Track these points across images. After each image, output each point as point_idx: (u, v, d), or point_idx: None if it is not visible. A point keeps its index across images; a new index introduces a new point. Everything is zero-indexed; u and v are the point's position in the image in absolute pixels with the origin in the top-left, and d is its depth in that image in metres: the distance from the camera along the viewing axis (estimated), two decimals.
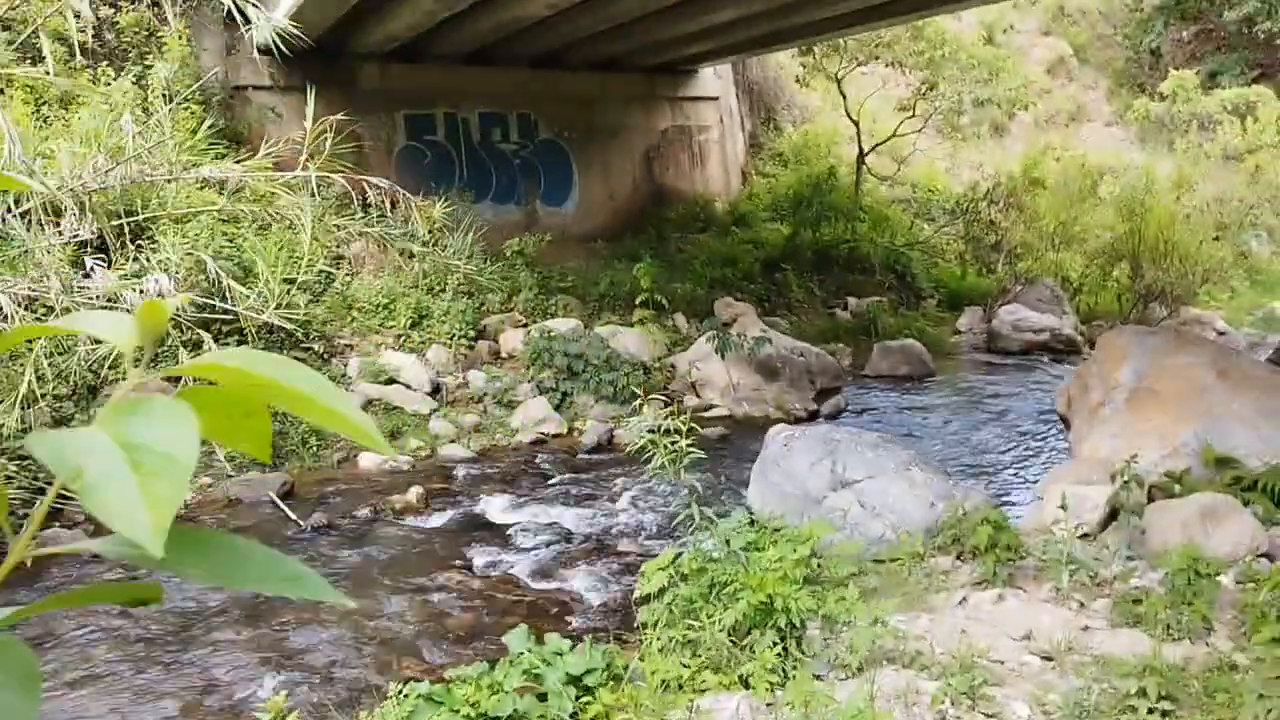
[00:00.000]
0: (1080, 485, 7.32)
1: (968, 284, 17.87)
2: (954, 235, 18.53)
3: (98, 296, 5.62)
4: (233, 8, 5.02)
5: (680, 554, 5.23)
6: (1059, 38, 26.97)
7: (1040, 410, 11.65)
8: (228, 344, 9.76)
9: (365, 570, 7.25)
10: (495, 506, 8.71)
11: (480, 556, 7.55)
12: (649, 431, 5.35)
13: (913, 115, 18.51)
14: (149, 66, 12.74)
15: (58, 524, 7.85)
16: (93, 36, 12.65)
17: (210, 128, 12.95)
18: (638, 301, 12.29)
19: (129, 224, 8.70)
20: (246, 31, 13.21)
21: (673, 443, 5.26)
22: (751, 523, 6.23)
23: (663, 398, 11.99)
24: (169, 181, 8.10)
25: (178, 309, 0.86)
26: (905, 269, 17.53)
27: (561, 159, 17.55)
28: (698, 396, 12.29)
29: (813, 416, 11.78)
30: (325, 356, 11.00)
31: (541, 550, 7.76)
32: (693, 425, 10.56)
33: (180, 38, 13.04)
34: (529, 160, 17.16)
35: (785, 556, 5.05)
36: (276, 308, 9.89)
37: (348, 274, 12.49)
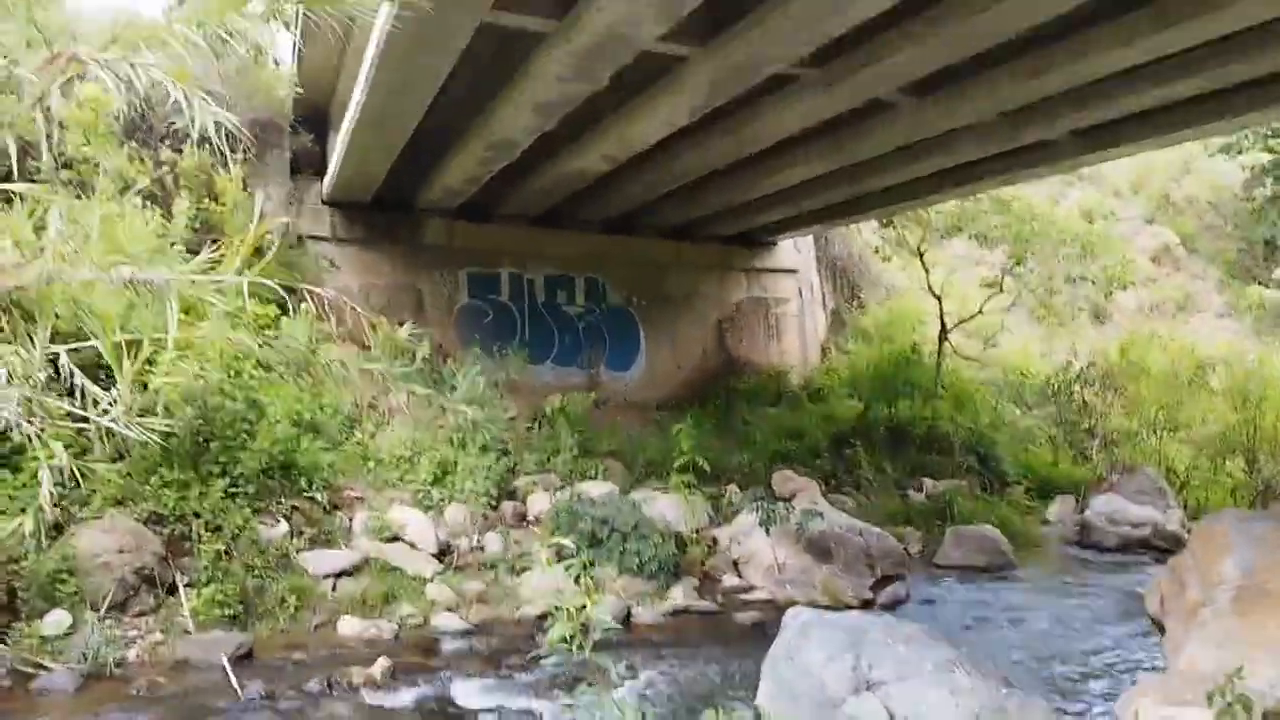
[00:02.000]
0: (1171, 706, 5.70)
1: (1059, 471, 16.14)
2: (1045, 419, 16.90)
3: None
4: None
5: None
6: (1164, 226, 25.59)
7: (1134, 613, 9.84)
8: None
9: None
10: (469, 689, 7.38)
11: None
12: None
13: (1000, 291, 17.26)
14: (202, 208, 12.47)
15: None
16: (152, 181, 12.50)
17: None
18: (675, 466, 11.08)
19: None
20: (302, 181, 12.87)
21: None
22: None
23: (698, 574, 10.72)
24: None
25: None
26: (989, 452, 15.91)
27: (628, 325, 16.76)
28: (738, 575, 10.85)
29: (866, 606, 10.18)
30: (329, 508, 10.00)
31: None
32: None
33: (237, 183, 12.80)
34: (595, 324, 16.40)
35: None
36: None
37: (376, 423, 11.64)
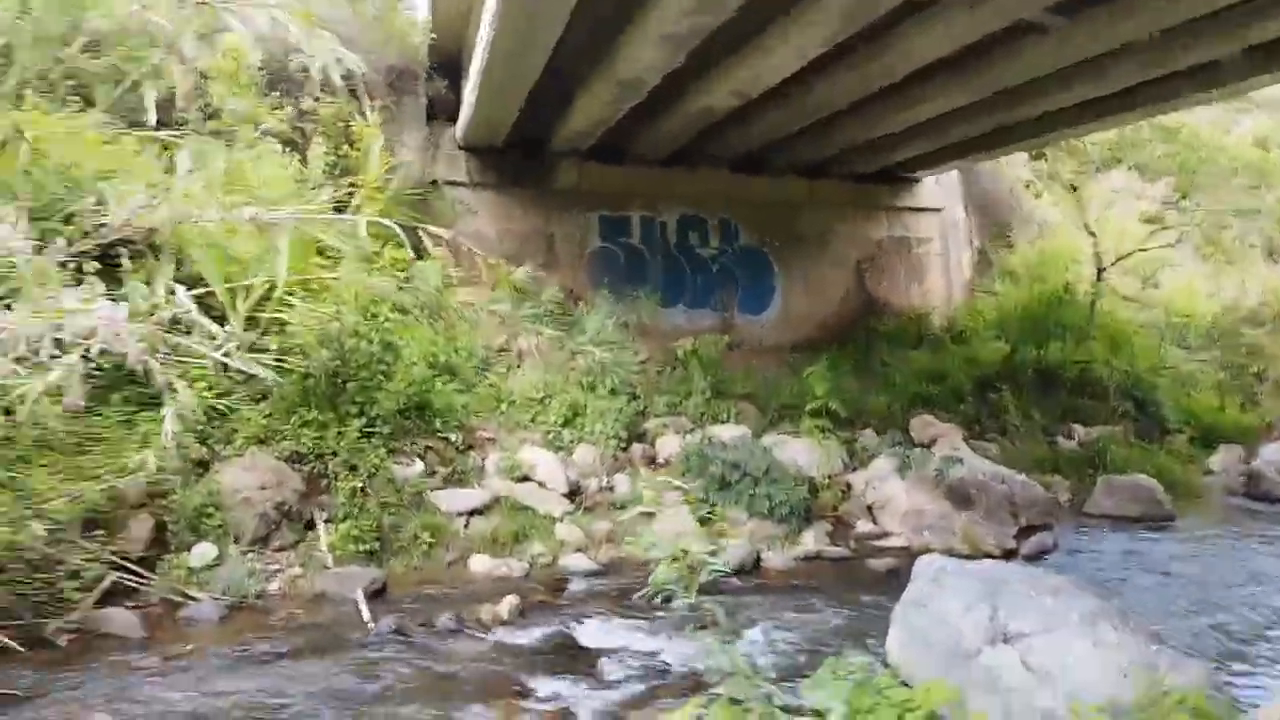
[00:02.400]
0: None
1: (1225, 418, 15.06)
2: (1210, 363, 15.80)
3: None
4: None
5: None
6: None
7: None
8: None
9: (402, 686, 6.06)
10: (594, 628, 7.35)
11: (547, 685, 6.20)
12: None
13: (1163, 228, 16.13)
14: (341, 155, 12.67)
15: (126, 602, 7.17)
16: (292, 129, 12.77)
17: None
18: (808, 409, 10.78)
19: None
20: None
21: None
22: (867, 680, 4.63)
23: (831, 519, 10.45)
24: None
25: None
26: (1146, 397, 14.95)
27: (762, 266, 16.38)
28: (873, 521, 10.52)
29: (1009, 555, 9.74)
30: (462, 448, 10.11)
31: (623, 684, 6.33)
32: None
33: (374, 129, 12.96)
34: (728, 266, 16.10)
35: None
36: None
37: (508, 365, 11.69)
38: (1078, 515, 11.45)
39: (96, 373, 8.42)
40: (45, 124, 8.18)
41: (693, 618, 7.88)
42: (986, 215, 19.54)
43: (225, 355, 5.43)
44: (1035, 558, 9.72)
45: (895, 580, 8.61)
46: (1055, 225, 19.85)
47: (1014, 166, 19.76)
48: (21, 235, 5.00)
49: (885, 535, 10.22)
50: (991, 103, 12.34)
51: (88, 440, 8.04)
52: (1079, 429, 14.07)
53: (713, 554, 3.78)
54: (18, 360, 4.56)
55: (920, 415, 12.90)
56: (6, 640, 6.18)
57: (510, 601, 7.55)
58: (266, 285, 8.63)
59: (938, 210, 17.86)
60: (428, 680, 6.21)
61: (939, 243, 17.88)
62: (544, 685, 6.21)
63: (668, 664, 6.74)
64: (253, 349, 7.88)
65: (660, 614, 7.85)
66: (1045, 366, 14.88)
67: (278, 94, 13.08)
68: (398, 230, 7.32)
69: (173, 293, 5.28)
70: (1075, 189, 16.34)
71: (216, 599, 7.39)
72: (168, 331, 5.27)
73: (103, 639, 6.66)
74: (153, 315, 5.05)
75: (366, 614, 7.34)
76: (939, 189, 17.90)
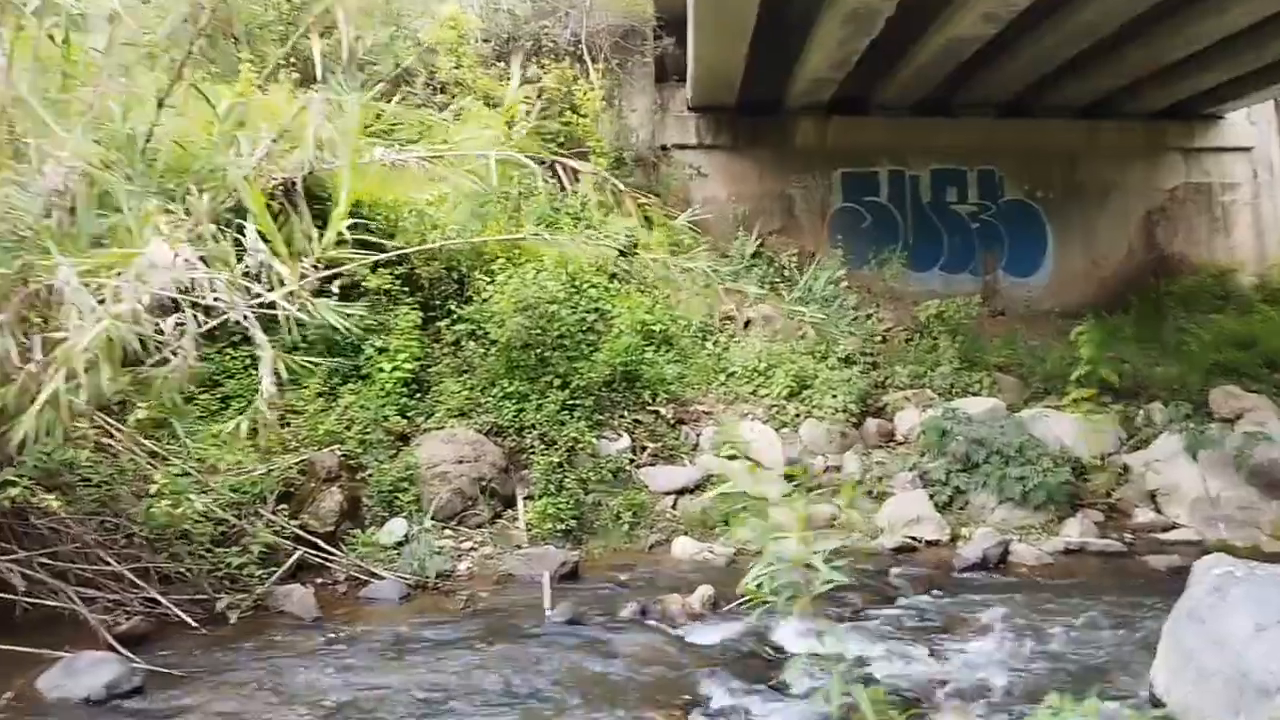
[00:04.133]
0: None
1: None
2: None
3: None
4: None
5: None
6: None
7: None
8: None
9: (559, 685, 5.32)
10: (796, 627, 6.30)
11: (724, 693, 5.26)
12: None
13: None
14: (567, 123, 12.20)
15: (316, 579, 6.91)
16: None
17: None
18: (1073, 377, 9.18)
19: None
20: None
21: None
22: None
23: (1101, 507, 8.83)
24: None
25: None
26: None
27: (1032, 222, 14.53)
28: (1155, 510, 8.77)
29: None
30: (674, 422, 9.31)
31: (810, 698, 5.29)
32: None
33: (599, 93, 12.40)
34: (990, 224, 14.39)
35: None
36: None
37: (731, 335, 10.78)
38: None
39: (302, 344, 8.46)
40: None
41: (911, 620, 6.75)
42: None
43: (297, 307, 4.80)
44: None
45: (1179, 583, 6.98)
46: None
47: None
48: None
49: (1170, 527, 8.48)
50: None
51: (289, 413, 7.92)
52: None
53: (834, 556, 2.69)
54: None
55: (1223, 386, 10.79)
56: (180, 614, 5.98)
57: (704, 592, 6.66)
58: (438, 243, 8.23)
59: (1247, 150, 15.22)
60: (589, 679, 5.44)
61: (1249, 189, 15.23)
62: (720, 693, 5.28)
63: (873, 675, 5.62)
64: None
65: (878, 613, 6.75)
66: None
67: (503, 64, 12.80)
68: (572, 163, 6.60)
69: (247, 240, 4.74)
70: None
71: (401, 577, 6.97)
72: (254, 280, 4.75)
73: (277, 616, 6.36)
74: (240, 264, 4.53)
75: (548, 600, 6.69)
76: (1250, 125, 15.24)
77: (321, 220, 8.84)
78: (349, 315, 5.23)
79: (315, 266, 4.90)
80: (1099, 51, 11.76)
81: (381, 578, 6.97)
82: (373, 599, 6.79)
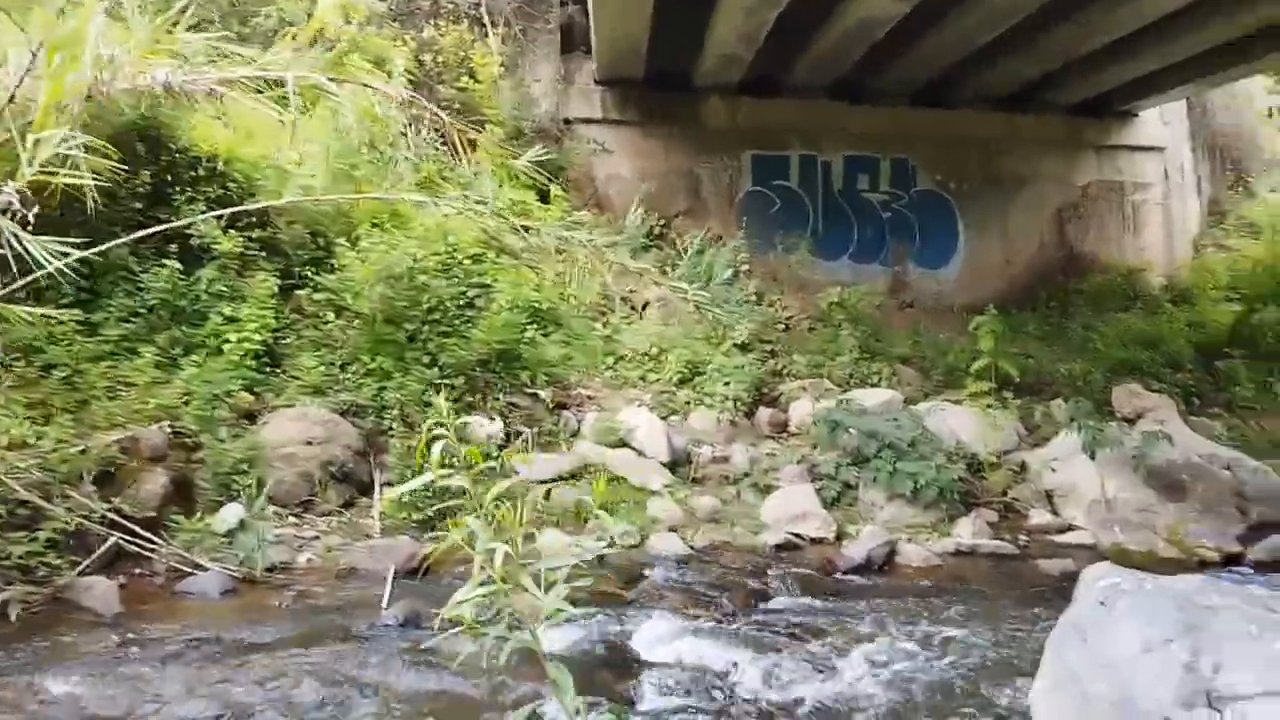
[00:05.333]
0: None
1: None
2: None
3: None
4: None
5: None
6: None
7: None
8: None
9: (356, 697, 4.62)
10: (655, 632, 5.69)
11: (552, 707, 4.63)
12: None
13: None
14: (462, 88, 11.45)
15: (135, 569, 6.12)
16: (414, 59, 11.65)
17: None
18: (971, 369, 8.74)
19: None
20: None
21: None
22: None
23: (997, 506, 8.38)
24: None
25: None
26: None
27: (944, 214, 14.13)
28: (1052, 511, 8.35)
29: (1232, 562, 7.42)
30: (554, 407, 8.63)
31: (654, 715, 4.68)
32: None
33: (497, 59, 11.66)
34: (901, 213, 13.95)
35: None
36: None
37: (626, 317, 10.15)
38: None
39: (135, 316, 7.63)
40: None
41: (784, 625, 6.19)
42: (1220, 158, 16.41)
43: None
44: (1268, 567, 7.35)
45: (1069, 589, 6.53)
46: None
47: (1255, 100, 16.51)
48: None
49: (1066, 529, 8.05)
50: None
51: (121, 385, 7.10)
52: None
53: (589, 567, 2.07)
54: None
55: (1125, 385, 10.47)
56: None
57: (560, 590, 5.99)
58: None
59: (1159, 149, 15.02)
60: (412, 691, 4.76)
61: (1160, 188, 15.03)
62: (549, 707, 4.64)
63: (732, 688, 5.04)
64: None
65: (749, 618, 6.16)
66: None
67: (398, 25, 12.01)
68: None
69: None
70: None
71: (228, 570, 6.21)
72: None
73: (75, 612, 5.57)
74: None
75: (387, 598, 5.99)
76: (1162, 125, 15.04)
77: (171, 175, 8.13)
78: (65, 254, 4.36)
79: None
80: (1014, 38, 11.34)
81: (205, 569, 6.20)
82: (190, 594, 6.02)
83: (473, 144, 11.61)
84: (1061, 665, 4.26)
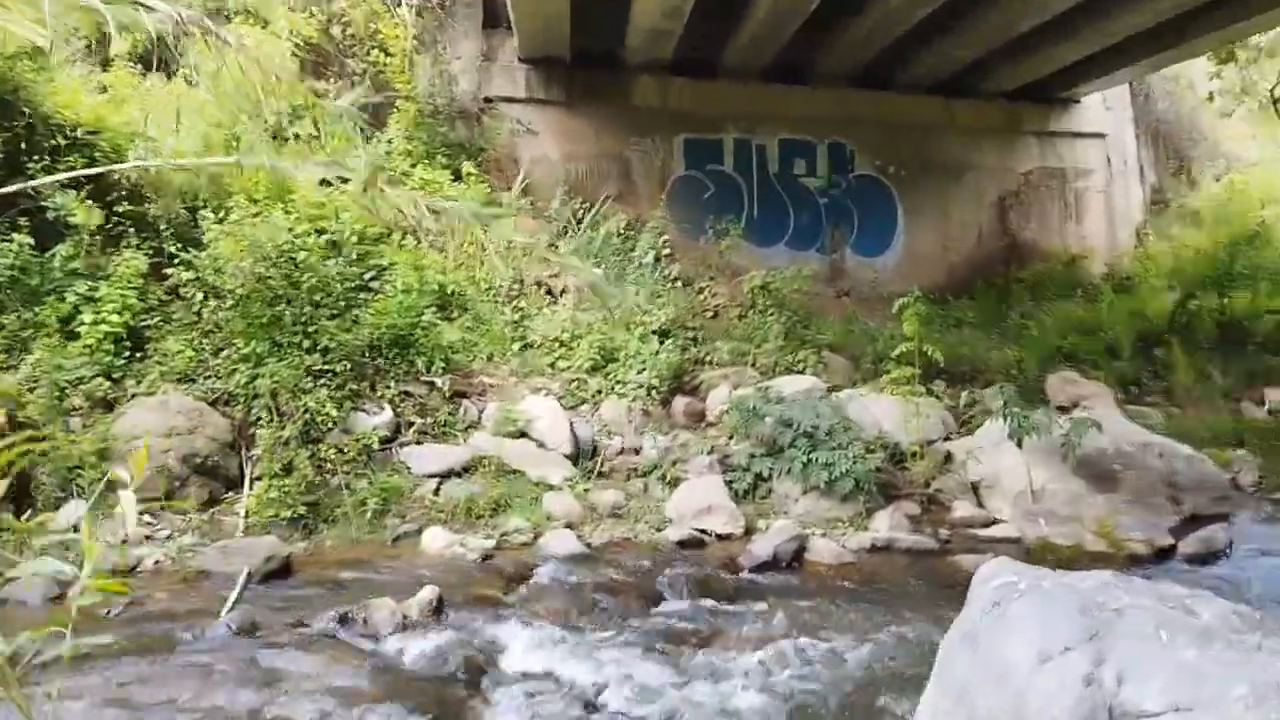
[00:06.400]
0: None
1: None
2: None
3: None
4: None
5: None
6: None
7: None
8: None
9: None
10: (528, 640, 5.08)
11: None
12: None
13: None
14: (373, 63, 10.78)
15: None
16: (322, 32, 10.96)
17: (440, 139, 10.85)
18: (894, 355, 8.21)
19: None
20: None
21: None
22: None
23: (919, 499, 7.84)
24: None
25: None
26: None
27: (882, 200, 13.61)
28: (977, 503, 7.82)
29: (1163, 555, 6.92)
30: (453, 395, 7.98)
31: None
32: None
33: (410, 33, 10.99)
34: (839, 200, 13.40)
35: None
36: None
37: (537, 302, 9.52)
38: (1266, 503, 8.37)
39: None
40: None
41: (673, 630, 5.59)
42: (1163, 146, 16.03)
43: None
44: (1200, 560, 6.85)
45: None
46: (1247, 159, 16.15)
47: (1197, 87, 16.14)
48: None
49: (991, 522, 7.50)
50: None
51: None
52: (1272, 393, 10.75)
53: None
54: None
55: (1060, 372, 9.99)
56: None
57: (426, 596, 5.38)
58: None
59: (1101, 136, 14.60)
60: (224, 716, 4.12)
61: (1102, 175, 14.62)
62: None
63: (604, 704, 4.43)
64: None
65: (638, 622, 5.56)
66: (1230, 319, 11.60)
67: None
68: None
69: None
70: (1277, 102, 12.79)
71: (56, 575, 5.51)
72: None
73: None
74: None
75: (229, 604, 5.34)
76: (1105, 111, 14.62)
77: (27, 142, 7.41)
78: None
79: None
80: (948, 18, 10.84)
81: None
82: (9, 600, 5.33)
83: (379, 120, 10.96)
84: (950, 677, 3.67)
